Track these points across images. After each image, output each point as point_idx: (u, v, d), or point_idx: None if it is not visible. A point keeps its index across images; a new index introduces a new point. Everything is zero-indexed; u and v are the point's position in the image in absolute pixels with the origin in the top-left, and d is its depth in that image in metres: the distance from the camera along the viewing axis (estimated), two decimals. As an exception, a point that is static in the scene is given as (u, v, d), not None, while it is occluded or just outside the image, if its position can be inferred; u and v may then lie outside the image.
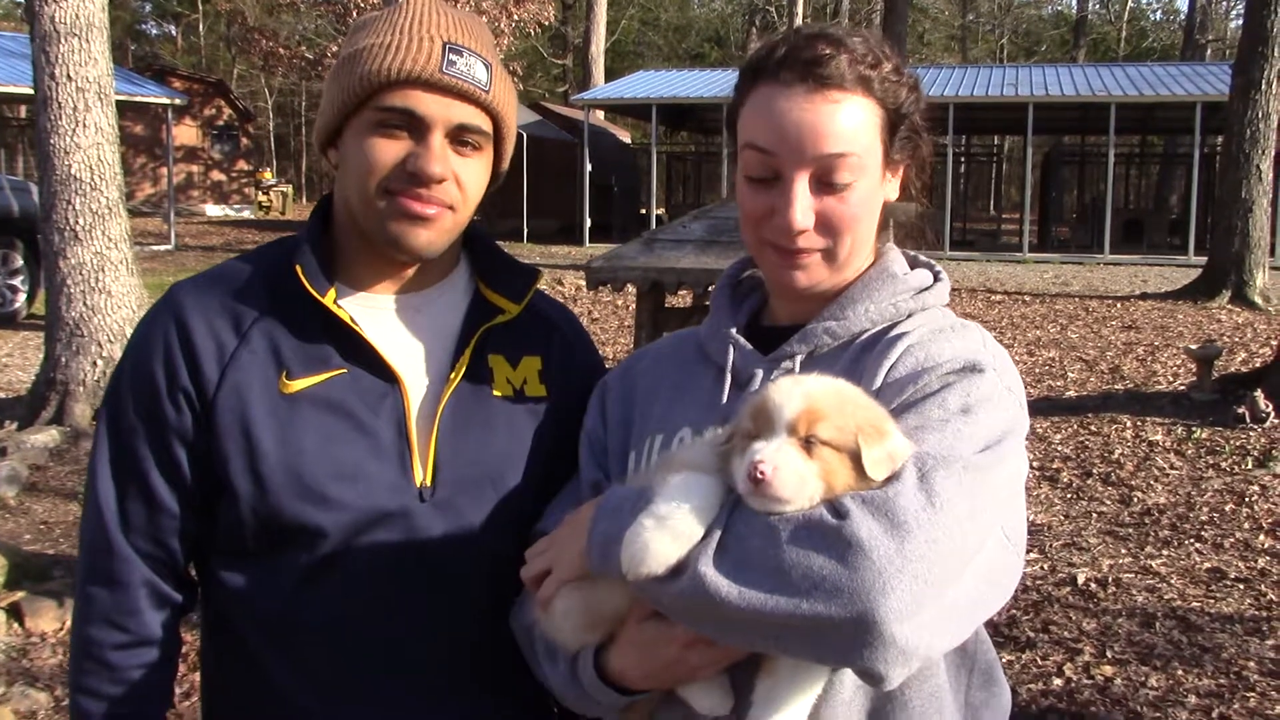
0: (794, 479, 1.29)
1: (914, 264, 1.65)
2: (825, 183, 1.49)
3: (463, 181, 1.64)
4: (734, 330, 1.61)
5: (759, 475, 1.29)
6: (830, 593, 1.23)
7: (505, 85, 1.68)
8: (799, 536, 1.27)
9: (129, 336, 1.71)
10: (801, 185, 1.49)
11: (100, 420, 1.67)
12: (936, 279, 1.62)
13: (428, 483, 1.64)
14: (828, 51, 1.48)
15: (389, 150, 1.61)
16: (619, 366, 1.79)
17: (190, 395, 1.62)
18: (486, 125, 1.65)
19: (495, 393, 1.73)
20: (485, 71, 1.63)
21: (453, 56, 1.60)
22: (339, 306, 1.63)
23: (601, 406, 1.72)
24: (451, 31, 1.63)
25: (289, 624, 1.63)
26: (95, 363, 9.14)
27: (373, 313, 1.68)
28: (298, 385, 1.62)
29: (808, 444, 1.31)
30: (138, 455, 1.63)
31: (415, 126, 1.60)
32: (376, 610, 1.63)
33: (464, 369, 1.70)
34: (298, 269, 1.63)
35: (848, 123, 1.48)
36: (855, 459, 1.30)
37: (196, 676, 4.67)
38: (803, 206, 1.49)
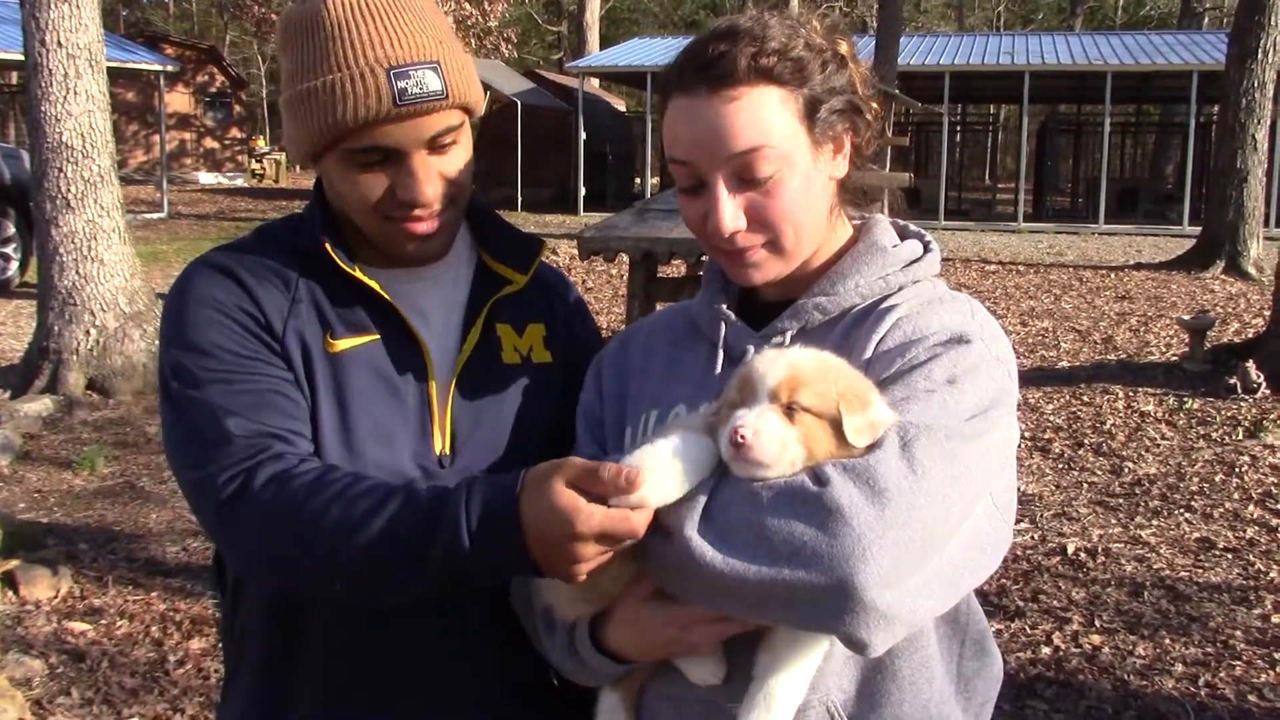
0: (774, 444, 1.31)
1: (904, 235, 1.64)
2: (746, 179, 1.48)
3: (451, 177, 1.63)
4: (725, 306, 1.62)
5: (739, 440, 1.30)
6: (811, 559, 1.24)
7: (459, 65, 1.62)
8: (780, 503, 1.28)
9: (166, 307, 1.64)
10: (722, 189, 1.48)
11: (172, 379, 1.58)
12: (927, 250, 1.62)
13: (447, 450, 1.66)
14: (722, 48, 1.47)
15: (373, 185, 1.59)
16: (614, 340, 1.79)
17: (268, 334, 1.61)
18: (457, 119, 1.63)
19: (505, 361, 1.75)
20: (437, 76, 1.57)
21: (401, 83, 1.55)
22: (369, 277, 1.65)
23: (598, 381, 1.73)
24: (389, 48, 1.56)
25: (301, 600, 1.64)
26: (88, 331, 9.14)
27: (387, 286, 1.69)
28: (342, 345, 1.64)
29: (789, 410, 1.33)
30: (251, 374, 1.57)
31: (390, 156, 1.59)
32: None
33: (475, 339, 1.71)
34: (326, 245, 1.63)
35: (752, 117, 1.46)
36: (837, 427, 1.32)
37: (193, 644, 4.72)
38: (728, 209, 1.48)
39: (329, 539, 1.42)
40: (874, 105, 1.59)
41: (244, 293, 1.61)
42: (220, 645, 4.72)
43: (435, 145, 1.60)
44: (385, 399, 1.64)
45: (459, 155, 1.65)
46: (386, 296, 1.65)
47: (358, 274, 1.64)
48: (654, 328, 1.76)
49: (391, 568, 1.41)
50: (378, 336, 1.66)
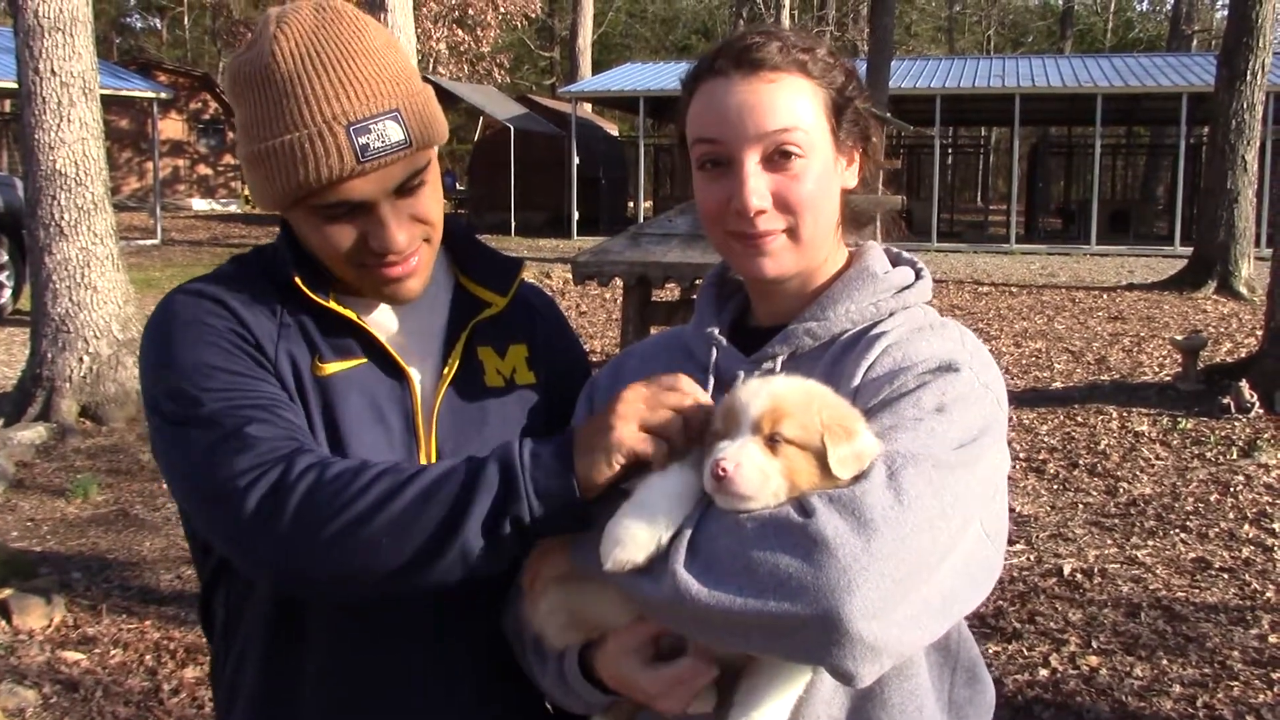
0: (755, 476, 1.30)
1: (895, 261, 1.65)
2: (775, 161, 1.50)
3: (424, 215, 1.61)
4: (716, 331, 1.62)
5: (720, 472, 1.30)
6: (796, 591, 1.24)
7: (420, 105, 1.57)
8: (765, 535, 1.27)
9: (149, 335, 1.59)
10: (752, 165, 1.49)
11: (166, 402, 1.52)
12: (918, 276, 1.62)
13: None
14: (759, 39, 1.51)
15: (343, 236, 1.57)
16: (608, 365, 1.79)
17: (261, 355, 1.58)
18: (423, 160, 1.60)
19: (488, 384, 1.73)
20: (398, 125, 1.53)
21: (362, 139, 1.50)
22: (345, 308, 1.63)
23: (589, 405, 1.73)
24: (345, 102, 1.51)
25: (295, 621, 1.62)
26: (81, 359, 9.13)
27: (364, 315, 1.68)
28: (330, 369, 1.62)
29: (772, 442, 1.32)
30: (253, 390, 1.53)
31: (358, 207, 1.56)
32: (376, 615, 1.63)
33: (456, 364, 1.70)
34: (297, 280, 1.60)
35: (788, 99, 1.49)
36: (821, 458, 1.31)
37: (187, 673, 4.69)
38: (756, 186, 1.49)
39: (379, 500, 1.38)
40: (878, 129, 1.62)
41: (232, 316, 1.58)
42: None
43: (404, 190, 1.58)
44: (372, 423, 1.62)
45: (428, 193, 1.62)
46: (365, 326, 1.64)
47: (333, 305, 1.62)
48: (647, 352, 1.77)
49: (446, 514, 1.37)
50: (365, 360, 1.65)
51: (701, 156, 1.54)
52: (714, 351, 1.60)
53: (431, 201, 1.62)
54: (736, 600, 1.26)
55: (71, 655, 4.93)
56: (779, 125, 1.48)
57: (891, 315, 1.56)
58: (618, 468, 1.37)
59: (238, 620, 1.68)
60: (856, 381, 1.46)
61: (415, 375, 1.68)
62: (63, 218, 9.09)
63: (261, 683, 1.66)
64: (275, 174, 1.53)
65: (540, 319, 1.85)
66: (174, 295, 1.63)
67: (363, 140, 1.50)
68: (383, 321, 1.69)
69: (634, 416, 1.38)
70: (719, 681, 1.44)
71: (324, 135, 1.50)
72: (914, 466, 1.31)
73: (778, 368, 1.54)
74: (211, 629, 1.74)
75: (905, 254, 1.67)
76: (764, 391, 1.36)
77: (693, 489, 1.35)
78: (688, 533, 1.32)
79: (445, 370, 1.69)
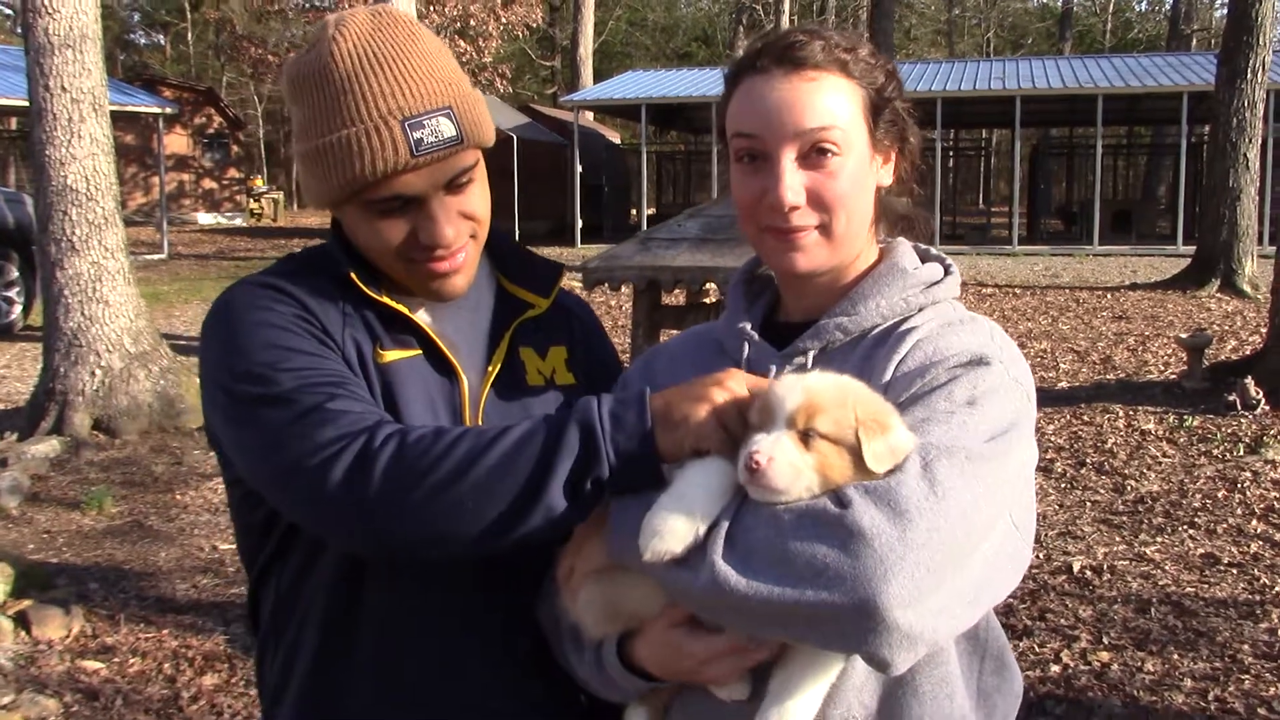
0: (788, 470, 1.33)
1: (925, 258, 1.68)
2: (812, 158, 1.53)
3: (472, 212, 1.67)
4: (749, 326, 1.65)
5: (754, 465, 1.32)
6: (833, 581, 1.26)
7: (471, 104, 1.64)
8: (803, 526, 1.30)
9: (213, 327, 1.63)
10: (788, 161, 1.53)
11: (242, 385, 1.55)
12: (947, 273, 1.65)
13: None
14: (802, 38, 1.54)
15: (394, 230, 1.63)
16: (639, 361, 1.83)
17: (329, 339, 1.62)
18: (472, 158, 1.66)
19: (529, 384, 1.78)
20: (451, 121, 1.60)
21: (417, 134, 1.57)
22: (399, 303, 1.68)
23: None
24: (401, 99, 1.58)
25: (352, 608, 1.66)
26: (94, 373, 9.18)
27: (413, 312, 1.72)
28: (390, 356, 1.66)
29: (806, 437, 1.34)
30: (329, 369, 1.57)
31: (409, 201, 1.61)
32: (427, 605, 1.67)
33: (500, 363, 1.75)
34: (352, 275, 1.65)
35: (827, 98, 1.53)
36: (855, 453, 1.33)
37: (205, 680, 4.73)
38: (792, 182, 1.53)
39: (464, 463, 1.41)
40: (916, 130, 1.66)
41: (296, 303, 1.63)
42: (249, 682, 4.74)
43: (453, 186, 1.64)
44: (426, 413, 1.67)
45: (477, 191, 1.68)
46: (418, 320, 1.69)
47: (386, 300, 1.67)
48: (678, 348, 1.80)
49: (529, 476, 1.41)
50: (420, 352, 1.70)
51: (740, 150, 1.57)
52: (746, 346, 1.63)
53: (479, 200, 1.68)
54: (774, 590, 1.29)
55: (91, 664, 4.97)
56: (817, 123, 1.51)
57: (921, 310, 1.59)
58: (692, 450, 1.41)
59: (291, 609, 1.71)
60: (888, 376, 1.49)
61: (462, 371, 1.72)
62: (74, 233, 9.14)
63: (312, 673, 1.70)
64: (332, 168, 1.58)
65: (579, 323, 1.90)
66: (234, 288, 1.67)
67: (417, 135, 1.57)
68: (431, 320, 1.73)
69: (721, 405, 1.42)
70: (753, 669, 1.47)
71: (380, 129, 1.56)
72: (948, 458, 1.33)
73: (809, 362, 1.57)
74: (258, 623, 1.78)
75: (934, 250, 1.70)
76: (799, 387, 1.38)
77: (729, 481, 1.38)
78: (725, 524, 1.35)
79: (489, 369, 1.74)
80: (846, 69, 1.55)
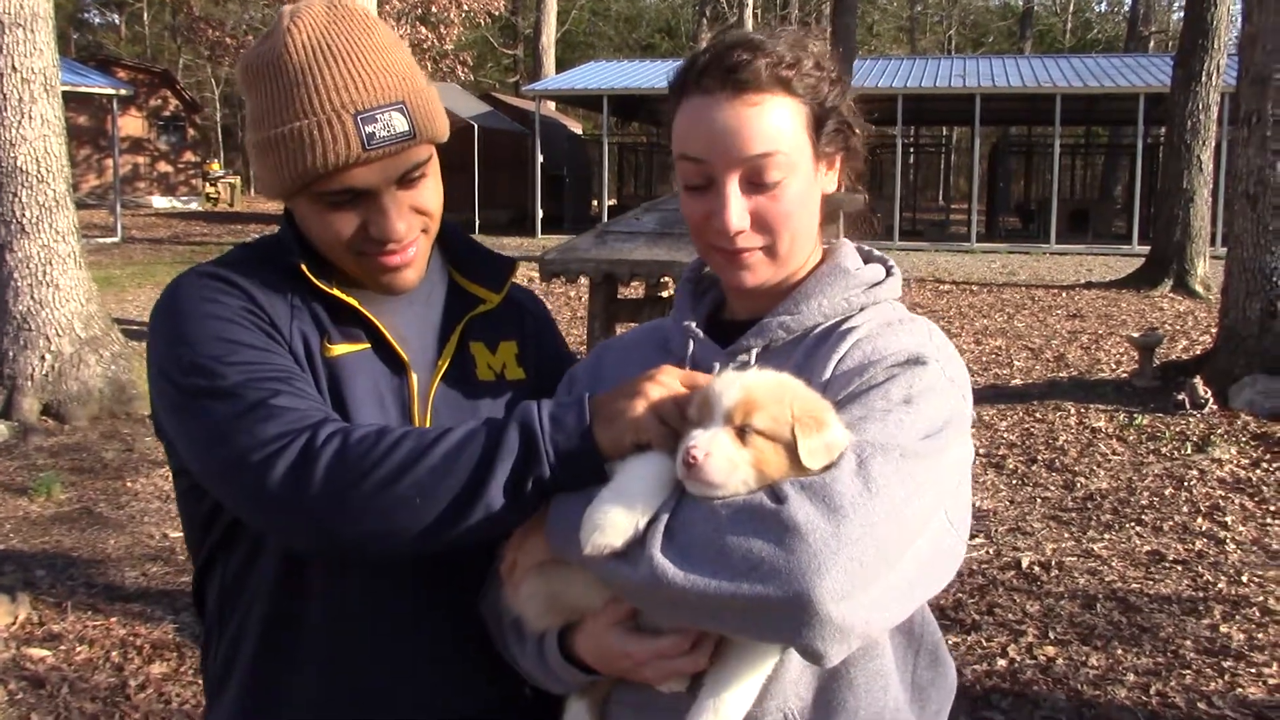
0: (724, 465, 1.34)
1: (867, 258, 1.70)
2: (756, 183, 1.54)
3: (424, 207, 1.67)
4: (693, 324, 1.67)
5: (691, 460, 1.34)
6: (769, 574, 1.28)
7: (424, 100, 1.64)
8: (740, 521, 1.32)
9: (162, 315, 1.62)
10: (733, 188, 1.54)
11: (187, 377, 1.54)
12: (889, 273, 1.67)
13: None
14: (745, 57, 1.54)
15: (345, 223, 1.63)
16: (587, 357, 1.84)
17: (276, 332, 1.61)
18: (425, 153, 1.66)
19: (479, 378, 1.78)
20: (403, 116, 1.60)
21: (369, 128, 1.57)
22: (349, 296, 1.68)
23: (570, 391, 1.77)
24: (354, 92, 1.58)
25: (285, 615, 1.66)
26: (43, 357, 9.07)
27: (364, 305, 1.71)
28: (337, 350, 1.66)
29: (742, 432, 1.36)
30: (274, 364, 1.56)
31: (361, 195, 1.61)
32: (372, 602, 1.67)
33: (450, 357, 1.75)
34: (302, 267, 1.65)
35: (770, 123, 1.53)
36: (791, 449, 1.35)
37: (153, 668, 4.69)
38: (736, 208, 1.54)
39: (405, 462, 1.42)
40: (860, 129, 1.66)
41: (244, 295, 1.62)
42: (197, 671, 4.70)
43: (405, 181, 1.64)
44: (374, 407, 1.67)
45: (429, 186, 1.68)
46: (368, 314, 1.69)
47: (336, 292, 1.67)
48: (629, 343, 1.82)
49: (469, 477, 1.42)
50: (368, 346, 1.70)
51: (686, 174, 1.59)
52: (691, 344, 1.65)
53: (432, 194, 1.69)
54: (711, 583, 1.31)
55: (37, 652, 4.92)
56: (760, 150, 1.52)
57: (862, 310, 1.61)
58: (633, 445, 1.42)
59: (235, 601, 1.71)
60: (827, 374, 1.51)
61: (411, 365, 1.72)
62: (24, 215, 9.03)
63: (254, 666, 1.69)
64: (284, 160, 1.58)
65: (530, 317, 1.90)
66: (183, 277, 1.67)
67: (369, 129, 1.57)
68: (381, 314, 1.73)
69: (657, 401, 1.43)
70: None
71: (332, 123, 1.56)
72: (882, 455, 1.36)
73: (752, 360, 1.59)
74: (204, 612, 1.77)
75: (876, 251, 1.72)
76: (737, 384, 1.40)
77: (669, 475, 1.40)
78: (664, 518, 1.37)
79: (439, 363, 1.75)
80: (789, 87, 1.55)
